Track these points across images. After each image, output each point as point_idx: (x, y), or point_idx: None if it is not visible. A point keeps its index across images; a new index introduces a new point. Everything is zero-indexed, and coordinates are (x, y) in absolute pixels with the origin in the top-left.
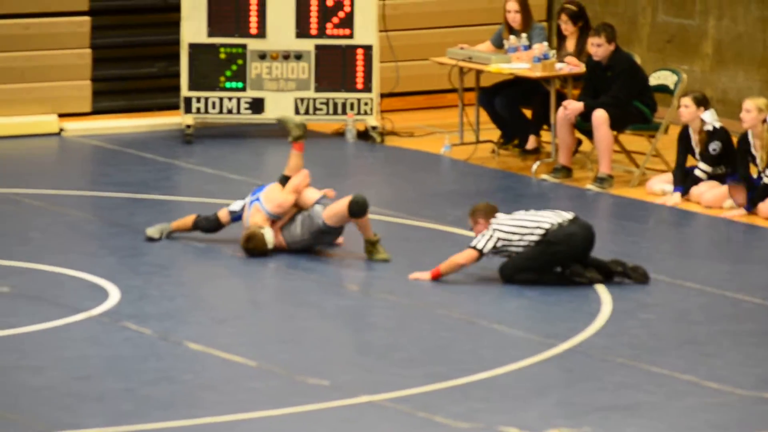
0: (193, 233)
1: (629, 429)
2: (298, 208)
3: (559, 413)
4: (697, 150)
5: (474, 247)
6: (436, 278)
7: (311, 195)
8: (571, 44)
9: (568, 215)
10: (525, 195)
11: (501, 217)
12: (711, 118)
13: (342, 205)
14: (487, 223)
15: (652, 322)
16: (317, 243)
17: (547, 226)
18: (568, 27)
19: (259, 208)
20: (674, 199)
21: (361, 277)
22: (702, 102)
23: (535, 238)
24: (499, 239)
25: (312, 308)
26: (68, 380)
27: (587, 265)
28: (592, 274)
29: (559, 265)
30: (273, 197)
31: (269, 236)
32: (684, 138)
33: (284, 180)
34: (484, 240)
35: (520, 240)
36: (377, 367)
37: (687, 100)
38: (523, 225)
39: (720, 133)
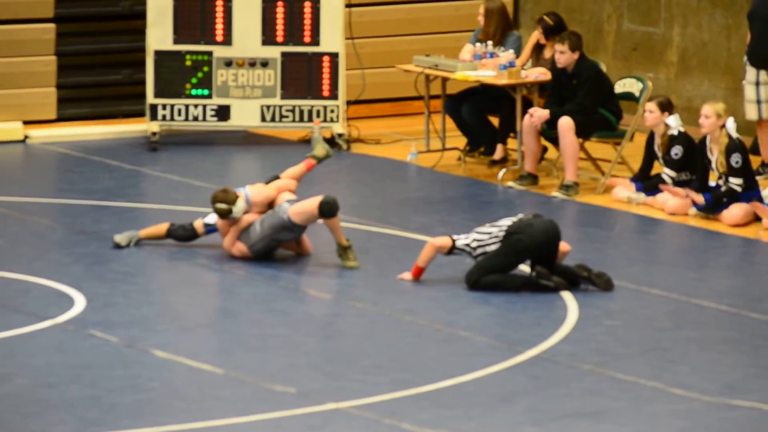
0: (163, 241)
1: None
2: (265, 210)
3: (526, 420)
4: (659, 154)
5: (450, 236)
6: (420, 273)
7: (284, 196)
8: (548, 52)
9: (531, 214)
10: (491, 202)
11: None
12: (675, 123)
13: (312, 204)
14: None
15: (617, 329)
16: (276, 240)
17: (509, 223)
18: (542, 38)
19: (240, 192)
20: (638, 197)
21: (328, 285)
22: (666, 107)
23: (501, 236)
24: (474, 239)
25: (279, 315)
26: (34, 388)
27: (553, 271)
28: (557, 279)
29: (521, 259)
30: (257, 186)
31: (241, 204)
32: (650, 143)
33: (273, 179)
34: (462, 236)
35: (491, 239)
36: (344, 374)
37: (651, 105)
38: (493, 230)
39: (682, 138)
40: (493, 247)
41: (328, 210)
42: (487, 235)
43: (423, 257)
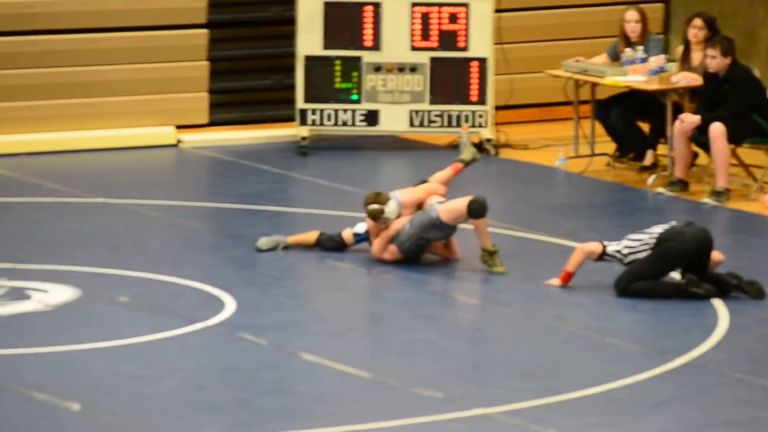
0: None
1: None
2: (414, 212)
3: (676, 428)
4: None
5: (601, 242)
6: (569, 278)
7: (433, 198)
8: (696, 54)
9: (683, 222)
10: (640, 208)
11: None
12: None
13: (461, 203)
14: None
15: None
16: (424, 238)
17: (661, 230)
18: (699, 34)
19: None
20: None
21: (475, 290)
22: None
23: (652, 243)
24: (625, 246)
25: (426, 320)
26: (184, 390)
27: (704, 279)
28: (708, 287)
29: (672, 267)
30: (406, 190)
31: (393, 205)
32: None
33: (421, 183)
34: (613, 242)
35: (642, 246)
36: (491, 380)
37: None
38: (644, 236)
39: None
40: (644, 254)
41: (476, 209)
42: (638, 242)
43: (572, 262)
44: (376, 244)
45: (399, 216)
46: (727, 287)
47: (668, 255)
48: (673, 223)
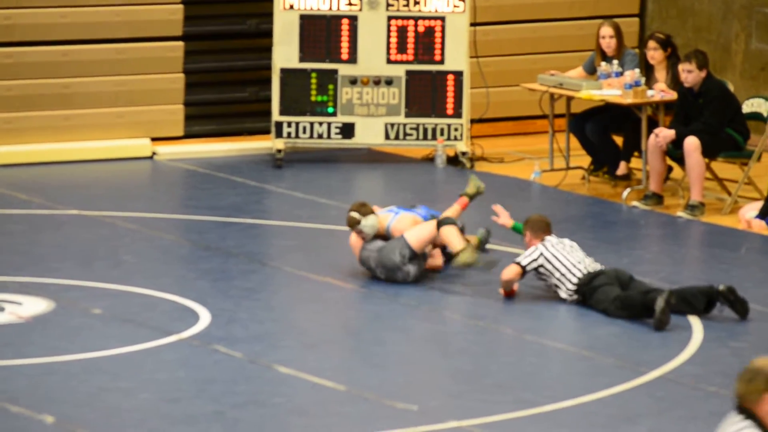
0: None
1: None
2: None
3: None
4: None
5: (518, 263)
6: (510, 294)
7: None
8: (660, 74)
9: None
10: (615, 222)
11: (551, 241)
12: None
13: (430, 228)
14: (534, 238)
15: (743, 351)
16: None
17: (576, 280)
18: (655, 55)
19: (384, 214)
20: (757, 224)
21: (450, 302)
22: None
23: (570, 286)
24: (541, 265)
25: (401, 333)
26: (159, 402)
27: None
28: (662, 300)
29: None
30: (409, 218)
31: (372, 221)
32: None
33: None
34: (528, 258)
35: (558, 274)
36: (465, 393)
37: None
38: (564, 263)
39: None
40: (558, 283)
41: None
42: (556, 269)
43: (502, 285)
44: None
45: (380, 235)
46: (716, 300)
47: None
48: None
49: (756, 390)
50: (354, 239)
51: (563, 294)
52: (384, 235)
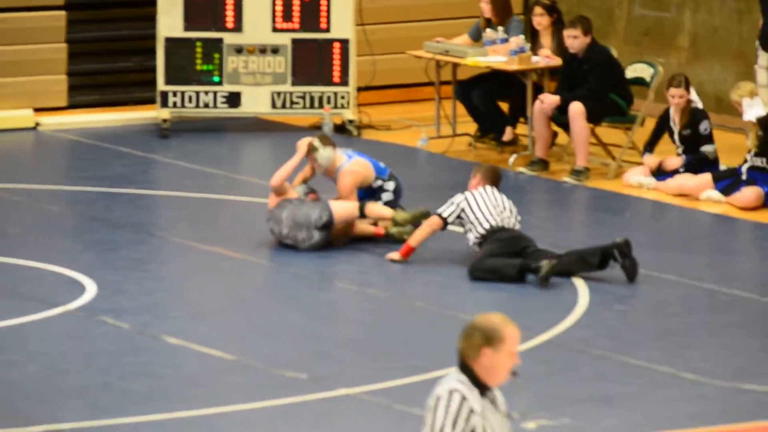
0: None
1: (607, 420)
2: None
3: (538, 405)
4: (677, 129)
5: (439, 215)
6: (409, 252)
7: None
8: (545, 40)
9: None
10: (502, 188)
11: (484, 191)
12: (696, 98)
13: (353, 207)
14: (478, 184)
15: (629, 314)
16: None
17: (483, 231)
18: (542, 21)
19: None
20: (649, 182)
21: (339, 271)
22: (688, 83)
23: (476, 234)
24: (463, 210)
25: (290, 302)
26: (46, 374)
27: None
28: (547, 262)
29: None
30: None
31: (328, 153)
32: (665, 119)
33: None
34: (449, 208)
35: (477, 220)
36: (355, 361)
37: (679, 90)
38: (482, 211)
39: (705, 113)
40: (476, 228)
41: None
42: (478, 214)
43: (416, 237)
44: (275, 186)
45: (327, 174)
46: (611, 256)
47: (493, 238)
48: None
49: (474, 345)
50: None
51: (471, 239)
52: (332, 178)
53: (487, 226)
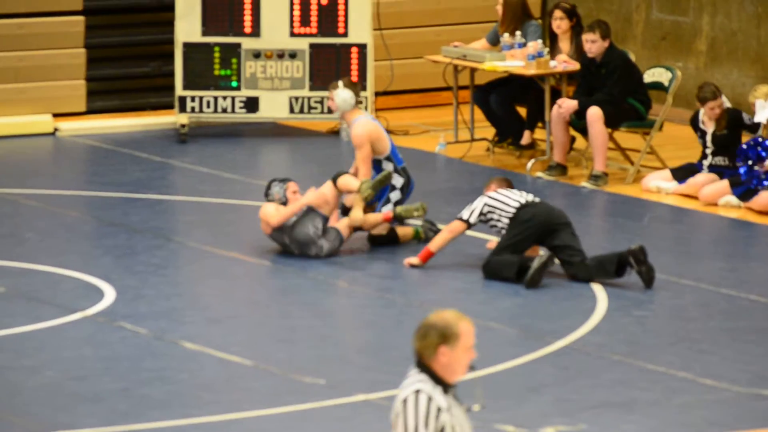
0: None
1: (625, 426)
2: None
3: (555, 411)
4: (709, 131)
5: (460, 218)
6: (428, 257)
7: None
8: (564, 44)
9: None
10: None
11: (502, 190)
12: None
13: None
14: (493, 189)
15: (647, 319)
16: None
17: (518, 204)
18: (562, 24)
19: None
20: (668, 187)
21: (356, 276)
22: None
23: (511, 210)
24: (485, 205)
25: (307, 307)
26: (64, 380)
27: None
28: (541, 259)
29: (525, 231)
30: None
31: (346, 95)
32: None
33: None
34: (469, 209)
35: (504, 204)
36: (373, 366)
37: (719, 101)
38: (510, 196)
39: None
40: (503, 220)
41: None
42: (502, 205)
43: (436, 242)
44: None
45: (348, 116)
46: (627, 263)
47: (521, 218)
48: (534, 198)
49: (431, 345)
50: (265, 210)
51: (499, 227)
52: (349, 125)
53: (516, 204)
